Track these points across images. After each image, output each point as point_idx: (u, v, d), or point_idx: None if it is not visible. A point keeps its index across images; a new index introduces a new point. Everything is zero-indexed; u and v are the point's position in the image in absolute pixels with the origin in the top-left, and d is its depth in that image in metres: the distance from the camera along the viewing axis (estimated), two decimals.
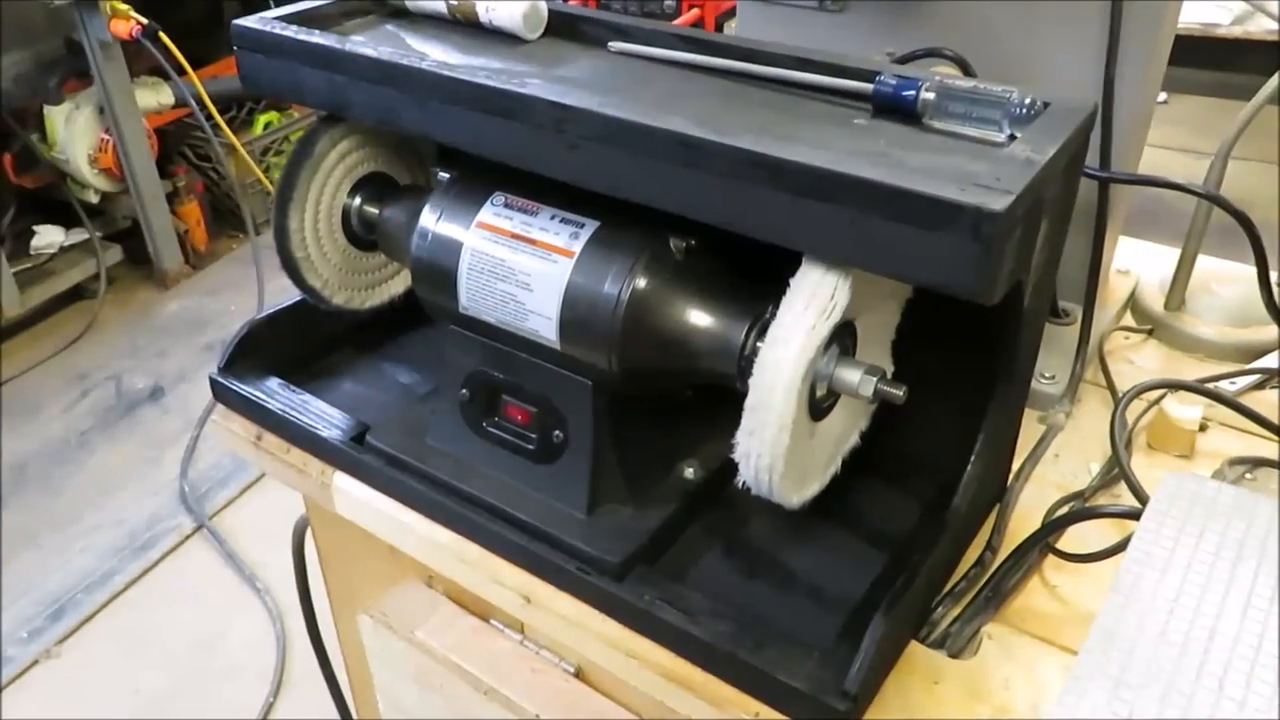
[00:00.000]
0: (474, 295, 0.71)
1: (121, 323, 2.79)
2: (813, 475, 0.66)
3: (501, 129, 0.66)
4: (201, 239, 3.02)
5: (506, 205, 0.71)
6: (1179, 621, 0.47)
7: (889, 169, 0.54)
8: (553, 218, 0.69)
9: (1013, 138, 0.61)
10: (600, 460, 0.72)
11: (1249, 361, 0.92)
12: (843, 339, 0.63)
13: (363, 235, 0.84)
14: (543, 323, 0.68)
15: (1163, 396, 0.85)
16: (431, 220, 0.73)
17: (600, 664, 0.70)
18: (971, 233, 0.51)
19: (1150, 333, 0.98)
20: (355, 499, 0.80)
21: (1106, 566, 0.71)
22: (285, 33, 0.75)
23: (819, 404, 0.63)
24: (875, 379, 0.62)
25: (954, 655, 0.67)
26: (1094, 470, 0.81)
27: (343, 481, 0.81)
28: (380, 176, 0.84)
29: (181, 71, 2.62)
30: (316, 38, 0.74)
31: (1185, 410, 0.82)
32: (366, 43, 0.73)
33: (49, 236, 2.80)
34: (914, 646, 0.67)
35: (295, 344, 0.91)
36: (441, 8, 0.80)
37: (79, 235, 2.83)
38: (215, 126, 2.63)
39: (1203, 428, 0.84)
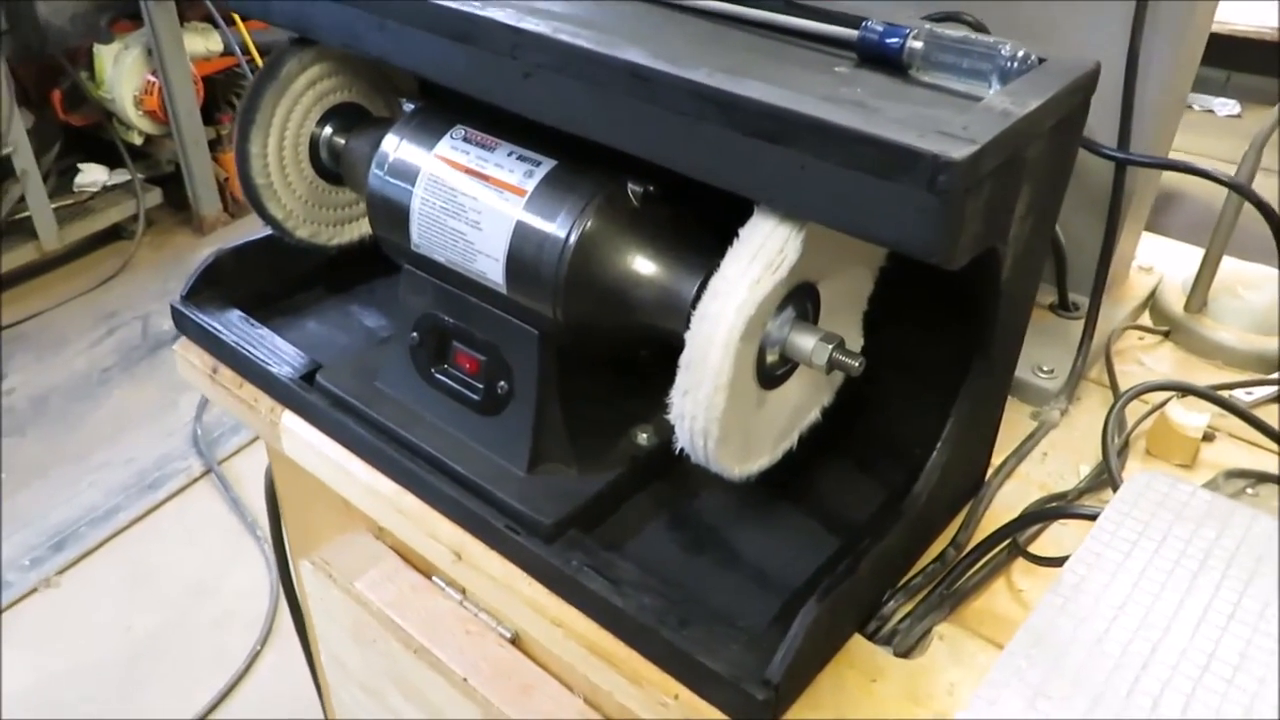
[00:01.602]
0: (425, 232, 0.68)
1: (155, 265, 2.81)
2: (761, 448, 0.62)
3: (458, 54, 0.62)
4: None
5: (466, 139, 0.67)
6: (1120, 631, 0.42)
7: (850, 113, 0.49)
8: (510, 154, 0.65)
9: None
10: (544, 416, 0.68)
11: (1270, 372, 0.86)
12: (801, 302, 0.58)
13: (331, 168, 0.80)
14: (490, 264, 0.65)
15: (1168, 401, 0.78)
16: (389, 150, 0.70)
17: (527, 630, 0.66)
18: (927, 183, 0.46)
19: (1167, 334, 0.91)
20: (302, 440, 0.77)
21: None
22: None
23: (770, 370, 0.59)
24: (831, 346, 0.57)
25: (901, 654, 0.62)
26: (1084, 472, 0.75)
27: (291, 421, 0.78)
28: (354, 108, 0.80)
29: (230, 20, 2.62)
30: None
31: (1190, 417, 0.76)
32: None
33: (92, 175, 2.82)
34: (857, 640, 0.62)
35: (264, 279, 0.88)
36: None
37: (121, 176, 2.85)
38: None
39: (1209, 437, 0.78)
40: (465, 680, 0.72)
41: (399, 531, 0.72)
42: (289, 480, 0.95)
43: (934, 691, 0.59)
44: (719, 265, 0.57)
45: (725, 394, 0.54)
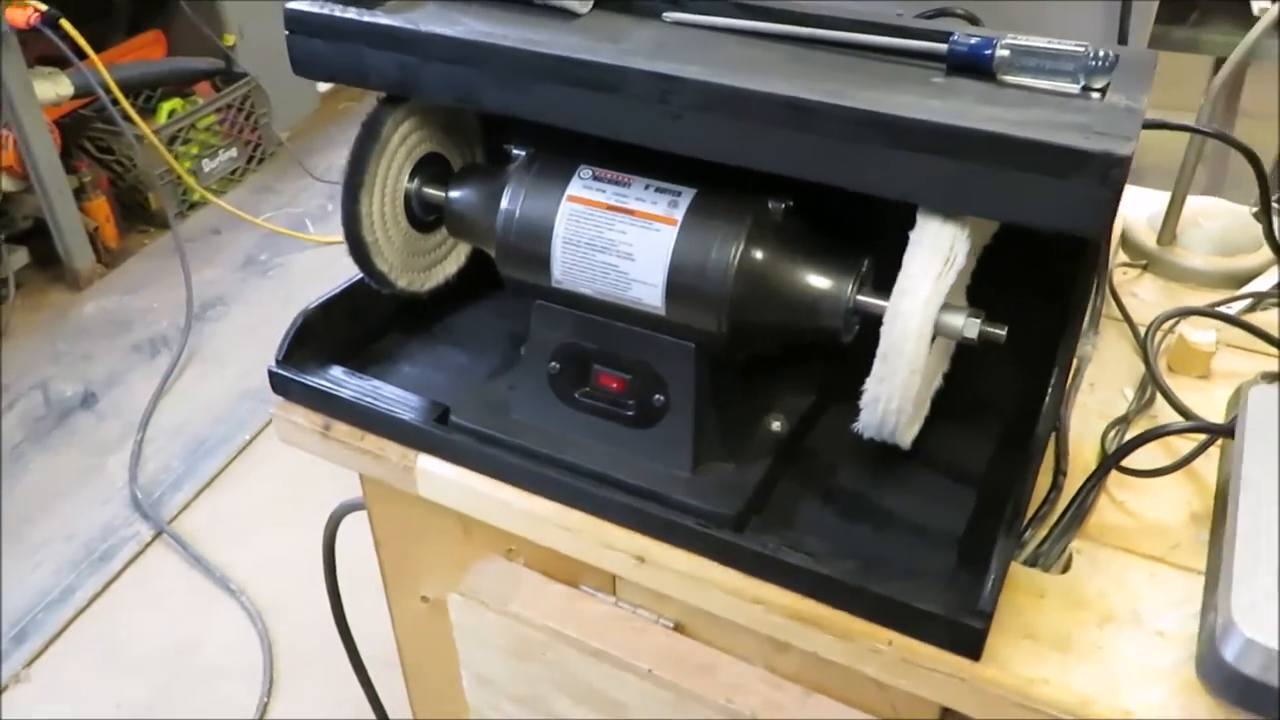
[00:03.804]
0: (569, 269, 0.73)
1: (37, 328, 2.65)
2: (918, 416, 0.71)
3: (601, 102, 0.67)
4: (112, 235, 2.88)
5: (595, 178, 0.72)
6: None
7: (1003, 122, 0.58)
8: (647, 187, 0.71)
9: (1086, 89, 0.66)
10: (702, 420, 0.74)
11: (1235, 288, 1.01)
12: None
13: (421, 217, 0.83)
14: (647, 290, 0.70)
15: (1177, 323, 0.92)
16: (516, 199, 0.74)
17: (719, 613, 0.73)
18: (1100, 177, 0.55)
19: (1145, 267, 1.05)
20: (442, 479, 0.81)
21: (1165, 482, 0.77)
22: (347, 15, 0.74)
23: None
24: (979, 321, 0.66)
25: (1048, 572, 0.72)
26: (1129, 395, 0.88)
27: (427, 463, 0.81)
28: (436, 157, 0.84)
29: (83, 58, 2.49)
30: (383, 19, 0.73)
31: (1201, 334, 0.89)
32: (436, 22, 0.73)
33: None
34: (1014, 567, 0.72)
35: (347, 330, 0.90)
36: None
37: None
38: (125, 115, 2.51)
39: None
40: (650, 671, 0.78)
41: (567, 548, 0.77)
42: (392, 523, 0.97)
43: (1090, 597, 0.70)
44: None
45: (920, 377, 0.62)
